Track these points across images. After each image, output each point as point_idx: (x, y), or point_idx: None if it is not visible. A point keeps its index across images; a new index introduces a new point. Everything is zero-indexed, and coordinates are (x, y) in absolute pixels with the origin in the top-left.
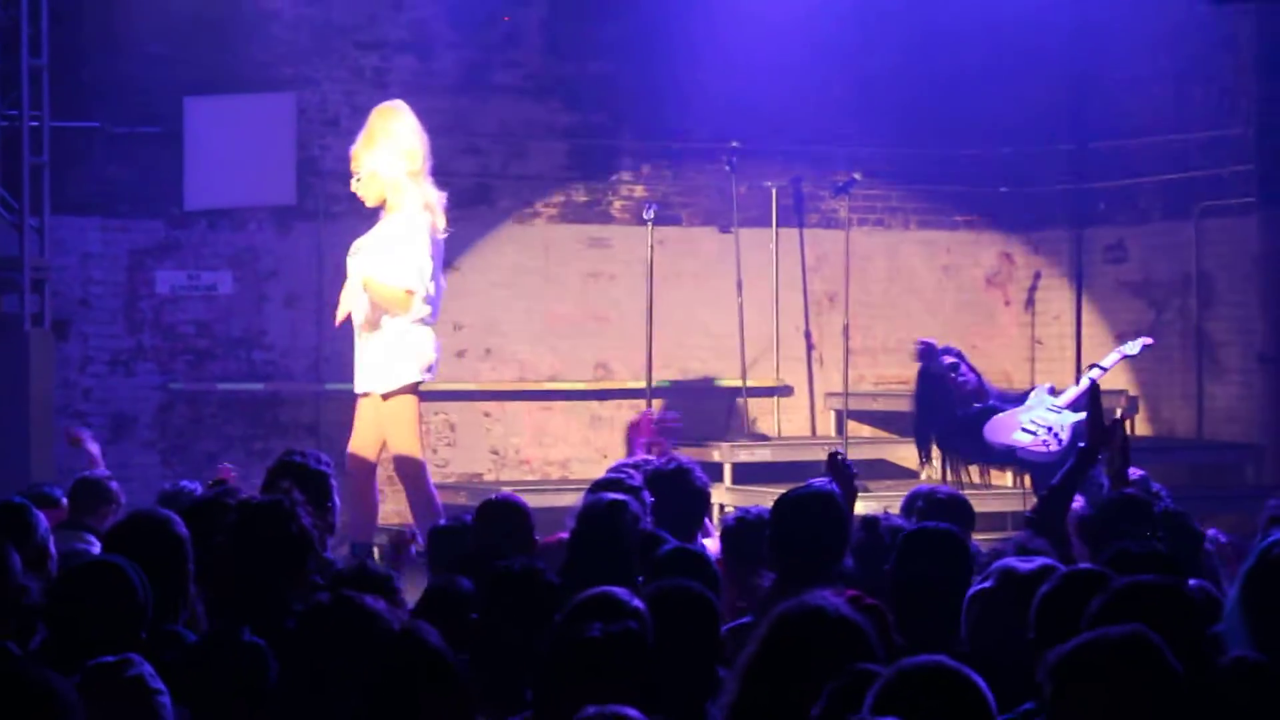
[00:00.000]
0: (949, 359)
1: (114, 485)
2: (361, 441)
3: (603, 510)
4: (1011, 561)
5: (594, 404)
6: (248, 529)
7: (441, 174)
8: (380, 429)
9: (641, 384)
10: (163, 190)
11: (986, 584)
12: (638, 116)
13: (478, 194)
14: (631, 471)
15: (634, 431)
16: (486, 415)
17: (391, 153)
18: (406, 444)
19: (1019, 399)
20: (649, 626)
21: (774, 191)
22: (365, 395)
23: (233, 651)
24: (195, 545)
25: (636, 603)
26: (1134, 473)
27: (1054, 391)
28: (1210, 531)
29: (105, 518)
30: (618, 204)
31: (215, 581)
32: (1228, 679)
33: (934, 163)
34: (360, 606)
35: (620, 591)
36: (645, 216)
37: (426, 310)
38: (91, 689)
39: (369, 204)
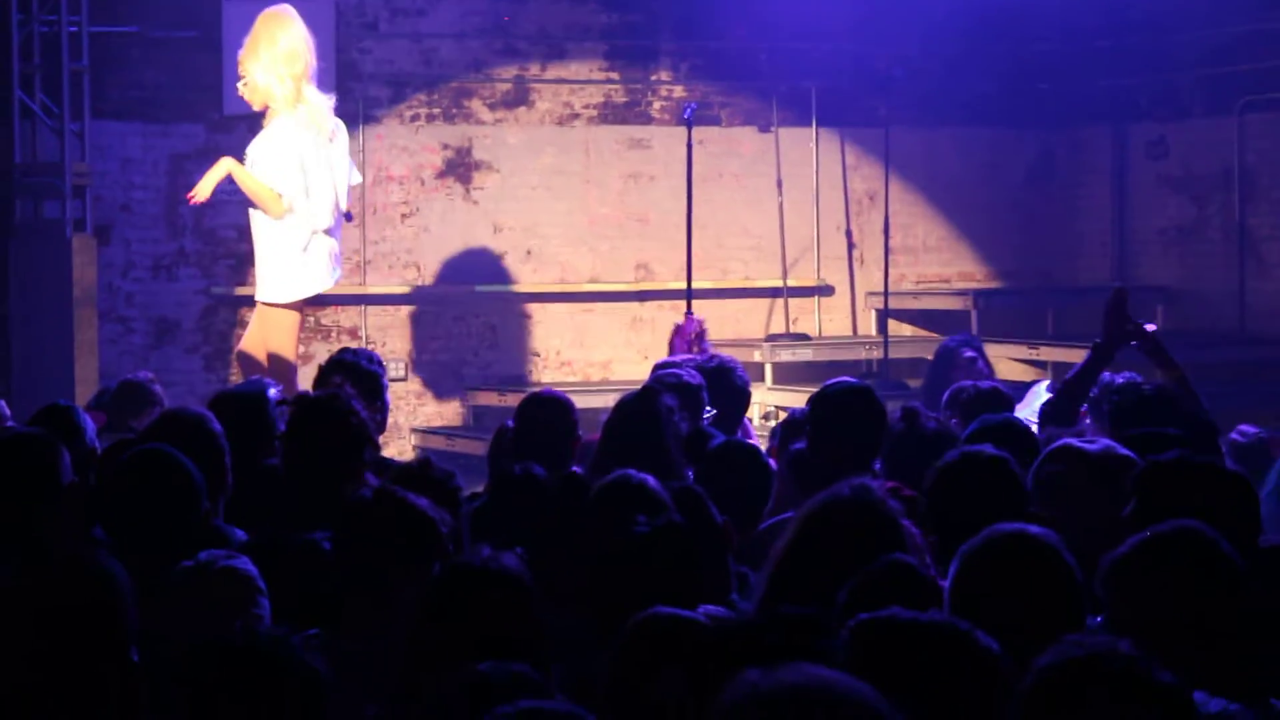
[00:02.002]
0: (969, 353)
1: (157, 388)
2: (252, 343)
3: (633, 401)
4: (1074, 441)
5: (635, 305)
6: (305, 422)
7: (480, 76)
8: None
9: (682, 285)
10: (202, 94)
11: (1055, 467)
12: (676, 16)
13: (516, 96)
14: (684, 370)
15: (677, 335)
16: (528, 317)
17: (272, 58)
18: (285, 350)
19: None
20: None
21: (813, 90)
22: (261, 301)
23: (286, 554)
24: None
25: (663, 494)
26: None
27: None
28: (1241, 426)
29: (148, 420)
30: (657, 105)
31: (268, 477)
32: (1271, 563)
33: (973, 60)
34: (402, 501)
35: (650, 481)
36: (684, 117)
37: (323, 219)
38: (198, 581)
39: (255, 108)
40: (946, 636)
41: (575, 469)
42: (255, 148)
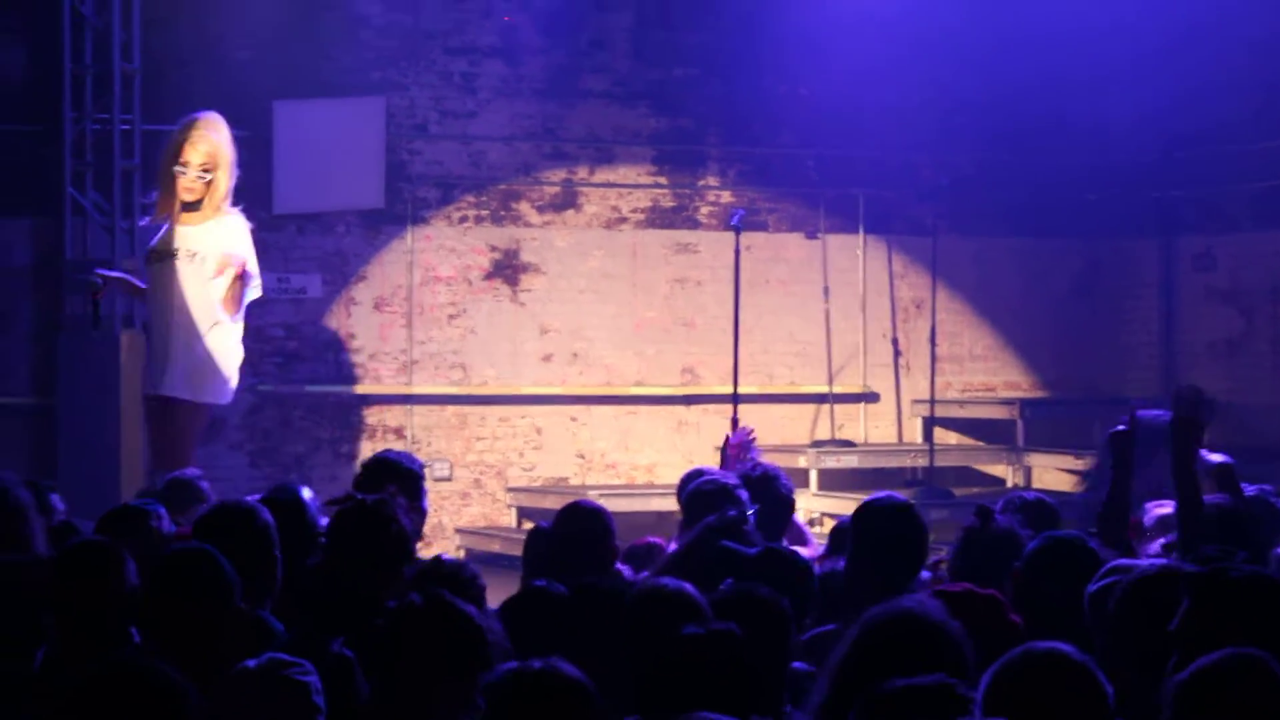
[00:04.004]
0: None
1: (204, 485)
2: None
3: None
4: (1123, 561)
5: (680, 409)
6: (351, 526)
7: (529, 179)
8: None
9: (728, 389)
10: (252, 194)
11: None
12: (724, 122)
13: (565, 199)
14: (717, 473)
15: (728, 446)
16: (573, 419)
17: (229, 163)
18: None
19: None
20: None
21: (861, 197)
22: (173, 400)
23: (320, 663)
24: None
25: (702, 602)
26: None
27: None
28: None
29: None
30: (705, 209)
31: (309, 580)
32: None
33: (1021, 170)
34: (451, 608)
35: (689, 588)
36: (731, 222)
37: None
38: (260, 686)
39: (191, 199)
40: None
41: (621, 567)
42: (218, 242)
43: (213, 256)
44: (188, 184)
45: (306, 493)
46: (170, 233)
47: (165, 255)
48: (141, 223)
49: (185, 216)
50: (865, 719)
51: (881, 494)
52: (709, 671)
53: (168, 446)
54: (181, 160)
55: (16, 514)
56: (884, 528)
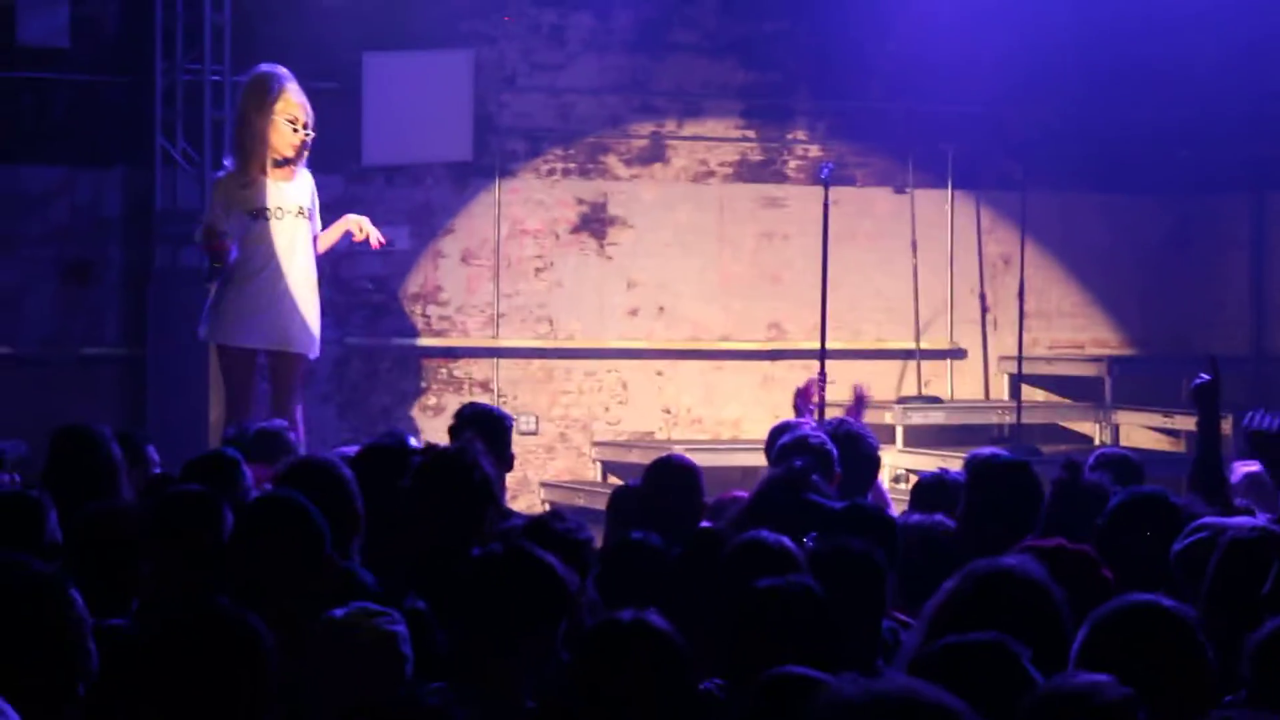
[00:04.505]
0: None
1: (292, 436)
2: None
3: (782, 476)
4: (1213, 520)
5: (766, 364)
6: (431, 474)
7: (617, 131)
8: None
9: (814, 345)
10: (341, 146)
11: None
12: (813, 76)
13: (653, 152)
14: (811, 433)
15: (801, 398)
16: (659, 374)
17: None
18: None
19: None
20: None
21: (950, 152)
22: (287, 354)
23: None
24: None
25: (798, 554)
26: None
27: None
28: None
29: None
30: (793, 164)
31: (392, 529)
32: None
33: (1110, 125)
34: (531, 557)
35: (787, 542)
36: (820, 176)
37: None
38: (346, 637)
39: (294, 155)
40: None
41: (707, 524)
42: (310, 202)
43: (314, 212)
44: (298, 141)
45: (414, 441)
46: (269, 189)
47: (278, 211)
48: (219, 174)
49: (277, 172)
50: (919, 673)
51: (989, 450)
52: (786, 624)
53: (278, 399)
54: (295, 118)
55: (109, 466)
56: (1000, 485)
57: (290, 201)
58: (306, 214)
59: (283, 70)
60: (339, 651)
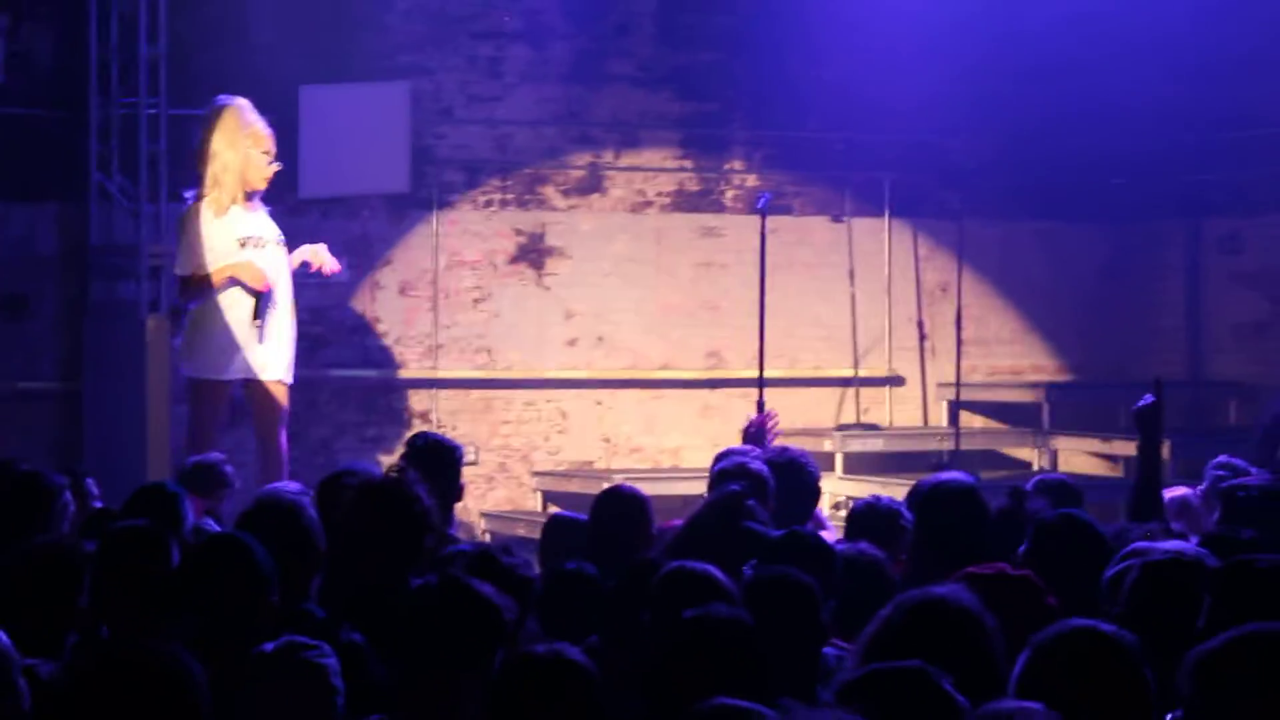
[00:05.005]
0: None
1: (228, 469)
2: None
3: (719, 500)
4: (1141, 545)
5: (705, 392)
6: (370, 506)
7: (554, 162)
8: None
9: (753, 373)
10: (277, 178)
11: (1120, 568)
12: (750, 106)
13: (590, 183)
14: (750, 460)
15: (754, 430)
16: (598, 403)
17: None
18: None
19: None
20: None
21: (887, 181)
22: (271, 380)
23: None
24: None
25: (728, 584)
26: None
27: None
28: None
29: (220, 501)
30: (730, 193)
31: (331, 562)
32: None
33: (1047, 154)
34: (467, 589)
35: (715, 571)
36: (757, 206)
37: None
38: (278, 665)
39: (263, 188)
40: None
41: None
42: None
43: (276, 243)
44: (270, 172)
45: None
46: (247, 220)
47: (261, 242)
48: (185, 207)
49: (248, 204)
50: (845, 700)
51: (940, 477)
52: (712, 654)
53: (269, 428)
54: (267, 150)
55: (49, 502)
56: (946, 513)
57: (269, 231)
58: (281, 243)
59: (243, 101)
60: (268, 686)
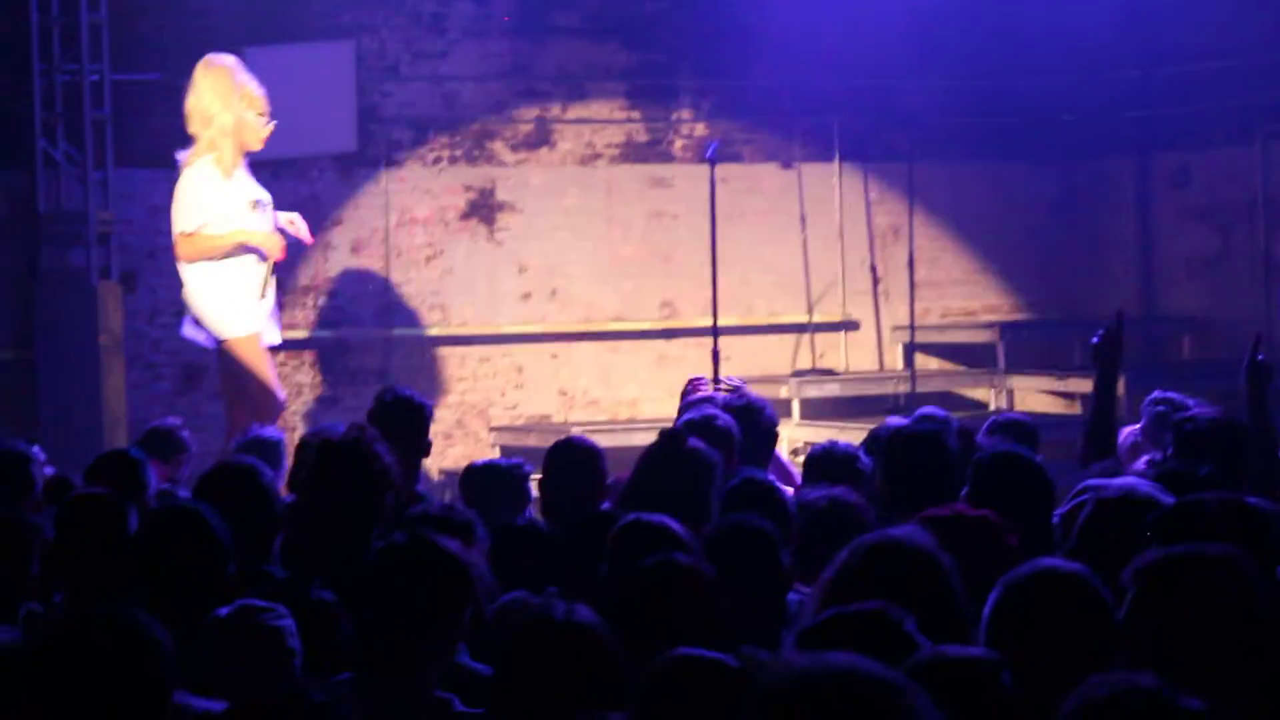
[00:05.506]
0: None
1: (185, 434)
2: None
3: (661, 445)
4: (1093, 481)
5: (660, 343)
6: (329, 465)
7: (502, 117)
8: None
9: (707, 322)
10: None
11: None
12: (696, 54)
13: (539, 137)
14: (715, 412)
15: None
16: (554, 357)
17: None
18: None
19: None
20: (700, 557)
21: (835, 125)
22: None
23: (300, 606)
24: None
25: (684, 534)
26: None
27: None
28: None
29: (178, 466)
30: (679, 143)
31: (293, 523)
32: None
33: (995, 93)
34: (435, 546)
35: (671, 522)
36: (706, 155)
37: None
38: (233, 629)
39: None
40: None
41: (605, 507)
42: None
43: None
44: (266, 133)
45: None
46: (248, 182)
47: (267, 205)
48: (184, 168)
49: (240, 163)
50: (806, 645)
51: (901, 421)
52: (669, 603)
53: (265, 387)
54: (262, 111)
55: (20, 472)
56: (914, 456)
57: (265, 193)
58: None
59: (232, 59)
60: (224, 650)
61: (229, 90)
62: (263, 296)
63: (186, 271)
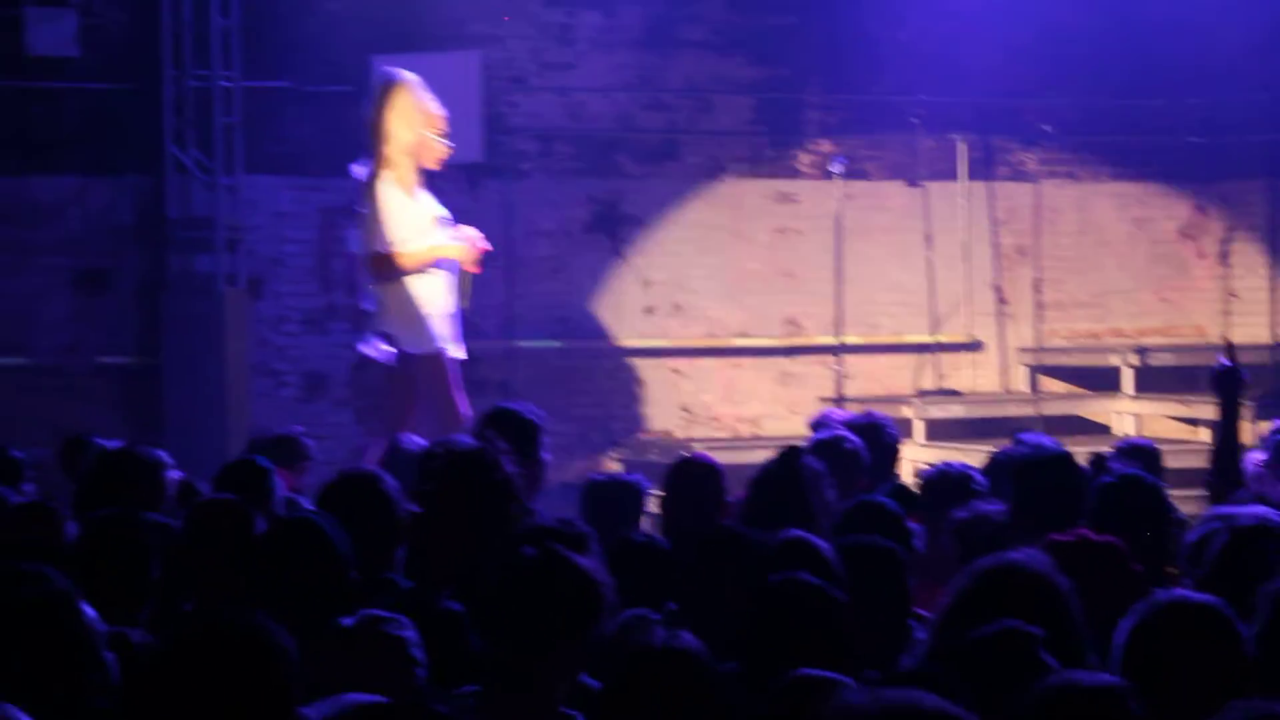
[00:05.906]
0: None
1: (309, 442)
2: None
3: (776, 463)
4: (1222, 509)
5: (783, 360)
6: (452, 475)
7: (628, 130)
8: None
9: (831, 339)
10: (352, 148)
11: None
12: (824, 69)
13: (665, 150)
14: (843, 433)
15: None
16: (676, 372)
17: None
18: None
19: None
20: (838, 577)
21: (962, 144)
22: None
23: (427, 617)
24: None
25: (826, 551)
26: None
27: None
28: None
29: (301, 474)
30: (805, 159)
31: (418, 533)
32: None
33: (1124, 114)
34: (567, 563)
35: (814, 540)
36: (832, 171)
37: None
38: (356, 638)
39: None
40: None
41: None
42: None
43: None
44: (443, 153)
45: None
46: (429, 199)
47: (444, 220)
48: (369, 183)
49: (418, 180)
50: (938, 667)
51: (1029, 442)
52: (799, 623)
53: (453, 403)
54: (441, 131)
55: (150, 476)
56: (1043, 479)
57: (444, 209)
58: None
59: (413, 76)
60: (346, 659)
61: (410, 108)
62: (465, 305)
63: (383, 289)
